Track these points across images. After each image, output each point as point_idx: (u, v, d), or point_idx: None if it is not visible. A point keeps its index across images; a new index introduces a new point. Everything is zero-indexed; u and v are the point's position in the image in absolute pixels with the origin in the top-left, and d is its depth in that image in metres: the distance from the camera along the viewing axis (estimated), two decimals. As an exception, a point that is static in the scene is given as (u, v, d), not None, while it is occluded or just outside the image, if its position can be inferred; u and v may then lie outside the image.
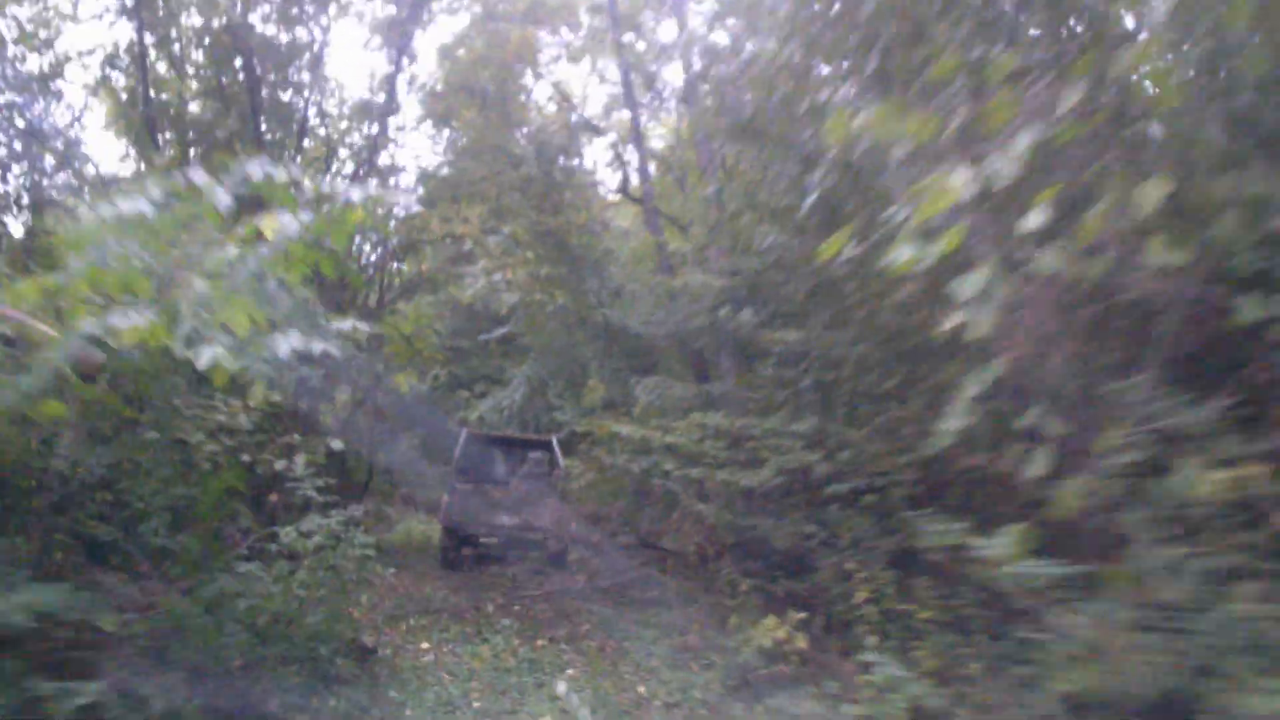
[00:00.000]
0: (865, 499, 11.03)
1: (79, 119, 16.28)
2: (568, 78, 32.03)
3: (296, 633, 9.31)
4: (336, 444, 12.90)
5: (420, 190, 24.91)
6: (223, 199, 6.59)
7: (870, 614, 10.16)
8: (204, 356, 6.25)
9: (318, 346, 6.85)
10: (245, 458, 11.73)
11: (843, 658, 10.14)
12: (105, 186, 15.65)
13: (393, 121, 24.10)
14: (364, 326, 7.47)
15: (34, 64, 18.65)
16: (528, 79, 31.54)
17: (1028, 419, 6.34)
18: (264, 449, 12.29)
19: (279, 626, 9.19)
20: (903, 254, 5.98)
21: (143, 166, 19.66)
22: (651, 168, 30.66)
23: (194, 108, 22.57)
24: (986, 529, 6.34)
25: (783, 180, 10.25)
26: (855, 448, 10.96)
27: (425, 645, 12.14)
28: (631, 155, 31.80)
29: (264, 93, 22.15)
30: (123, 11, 19.84)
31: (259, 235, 6.94)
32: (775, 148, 11.30)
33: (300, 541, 10.12)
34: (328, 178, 20.96)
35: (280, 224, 6.77)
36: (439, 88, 28.12)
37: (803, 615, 10.99)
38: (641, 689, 10.99)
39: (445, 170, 26.87)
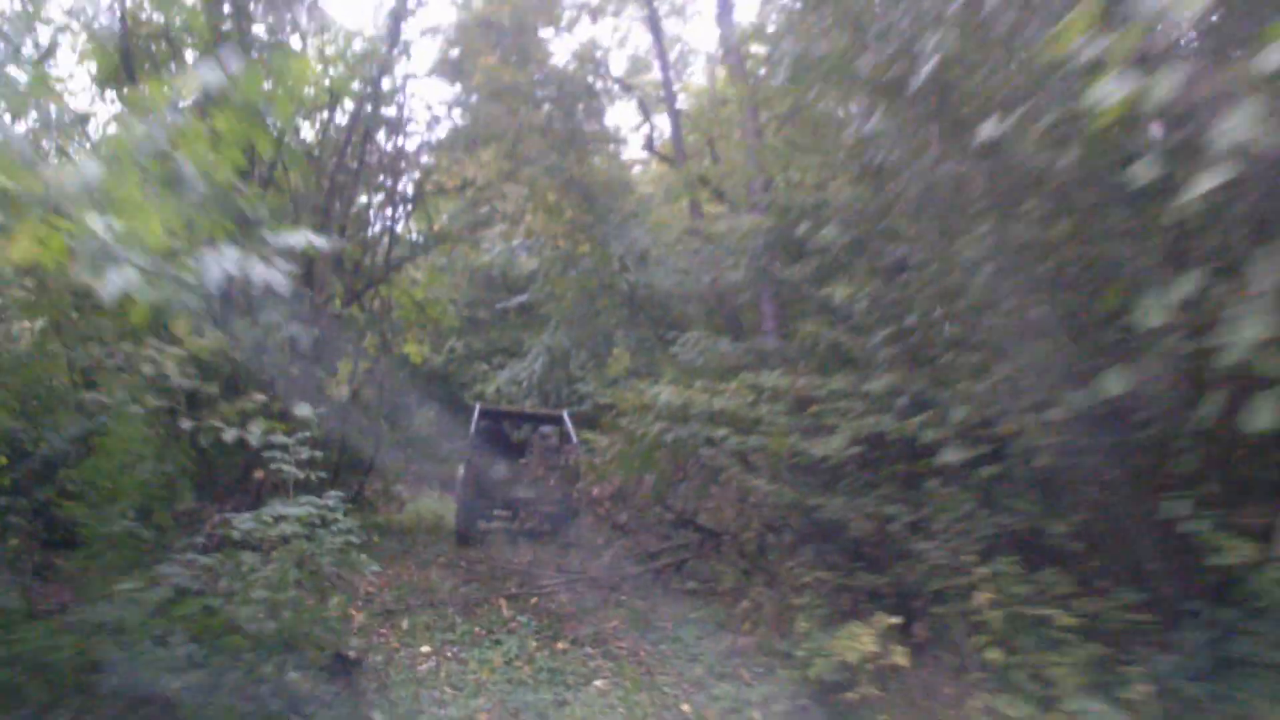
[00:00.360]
0: (983, 471, 8.67)
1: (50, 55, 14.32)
2: (590, 37, 29.54)
3: (257, 644, 7.31)
4: (304, 410, 10.99)
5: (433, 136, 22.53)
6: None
7: (994, 620, 7.85)
8: (110, 283, 4.35)
9: (259, 270, 4.76)
10: (185, 424, 9.75)
11: (955, 678, 7.91)
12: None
13: (400, 70, 21.89)
14: (320, 241, 5.37)
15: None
16: (548, 33, 29.40)
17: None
18: (213, 412, 10.15)
19: (232, 638, 7.20)
20: (1112, 91, 3.98)
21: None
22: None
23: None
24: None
25: (891, 44, 7.84)
26: (966, 403, 8.59)
27: (426, 649, 10.04)
28: (659, 119, 29.54)
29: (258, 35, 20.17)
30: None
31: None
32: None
33: (264, 529, 8.04)
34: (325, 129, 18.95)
35: (198, 79, 4.81)
36: (452, 31, 25.94)
37: (896, 620, 8.63)
38: (686, 707, 8.88)
39: (459, 115, 24.62)
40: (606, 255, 27.90)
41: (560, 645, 10.47)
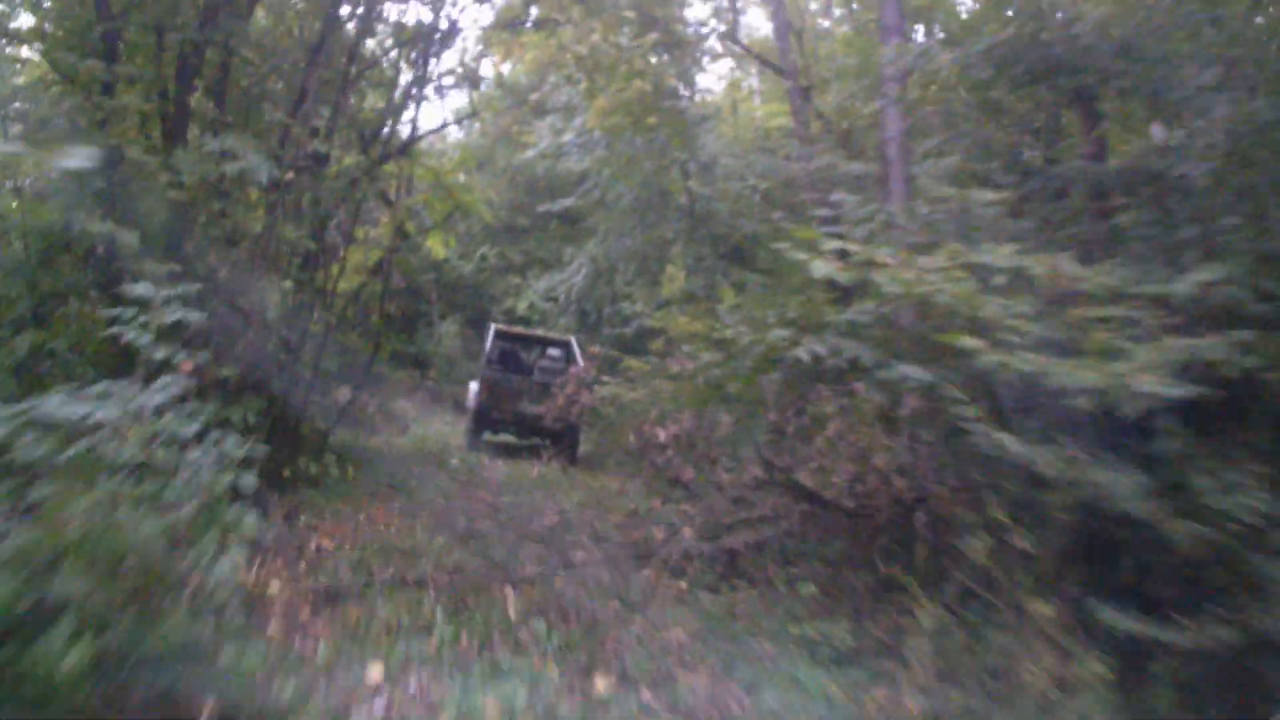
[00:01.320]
0: None
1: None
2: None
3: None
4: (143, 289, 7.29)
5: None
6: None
7: None
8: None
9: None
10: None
11: None
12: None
13: None
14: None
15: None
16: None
17: None
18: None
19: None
20: None
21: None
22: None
23: None
24: None
25: None
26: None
27: (375, 674, 6.13)
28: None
29: None
30: None
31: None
32: None
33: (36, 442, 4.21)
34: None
35: None
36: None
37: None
38: None
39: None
40: (668, 161, 24.14)
41: (599, 685, 6.09)
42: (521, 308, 29.08)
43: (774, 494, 9.65)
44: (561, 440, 18.55)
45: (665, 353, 20.12)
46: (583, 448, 19.48)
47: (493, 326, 22.45)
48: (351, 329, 16.76)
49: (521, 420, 19.16)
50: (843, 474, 9.20)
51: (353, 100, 14.85)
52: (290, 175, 10.12)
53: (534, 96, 27.91)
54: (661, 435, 10.54)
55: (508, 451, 19.26)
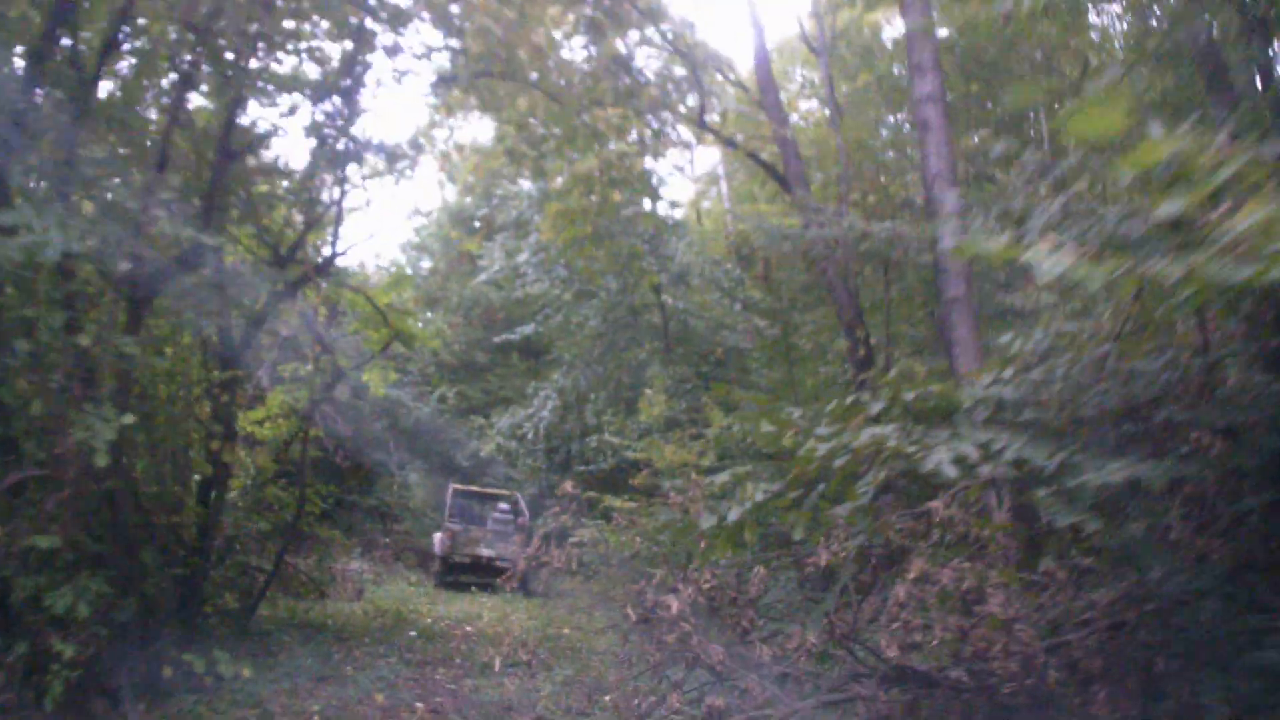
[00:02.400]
0: None
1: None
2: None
3: None
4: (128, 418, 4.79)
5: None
6: None
7: None
8: None
9: None
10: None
11: None
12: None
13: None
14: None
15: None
16: None
17: None
18: None
19: None
20: None
21: None
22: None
23: None
24: None
25: None
26: None
27: None
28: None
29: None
30: None
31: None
32: None
33: None
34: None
35: None
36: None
37: None
38: None
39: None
40: (635, 268, 21.86)
41: None
42: (487, 450, 26.41)
43: (841, 671, 6.92)
44: (523, 584, 18.59)
45: (651, 488, 17.62)
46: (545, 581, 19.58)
47: (450, 485, 24.25)
48: (279, 483, 14.13)
49: (479, 563, 21.60)
50: (943, 632, 6.50)
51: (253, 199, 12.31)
52: (126, 266, 7.43)
53: (482, 213, 25.91)
54: (674, 605, 7.72)
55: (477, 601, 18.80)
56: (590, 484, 20.27)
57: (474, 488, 25.63)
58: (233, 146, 10.49)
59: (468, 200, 32.24)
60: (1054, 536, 6.21)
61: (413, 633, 13.78)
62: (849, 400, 5.63)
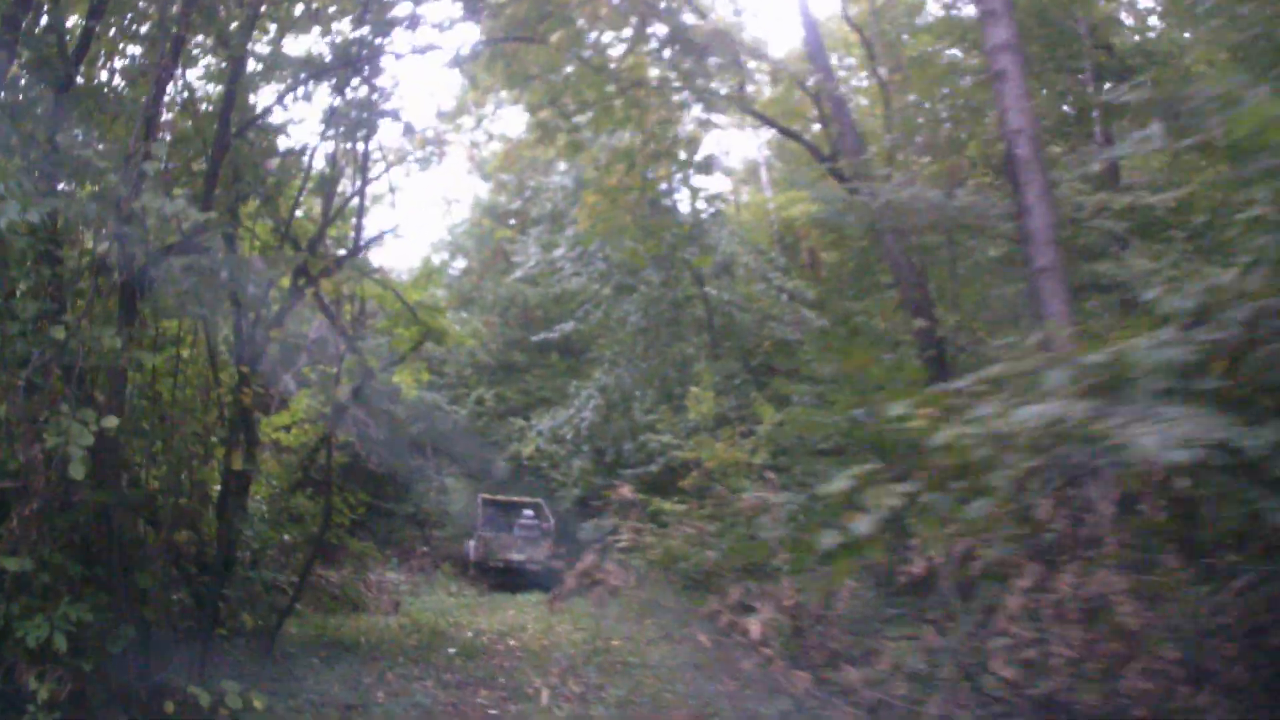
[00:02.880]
0: None
1: None
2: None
3: None
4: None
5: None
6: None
7: None
8: None
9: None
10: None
11: None
12: None
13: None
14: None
15: None
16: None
17: None
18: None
19: None
20: None
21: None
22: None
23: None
24: None
25: None
26: None
27: None
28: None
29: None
30: None
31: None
32: None
33: None
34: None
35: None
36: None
37: None
38: None
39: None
40: (675, 260, 20.83)
41: None
42: (527, 453, 25.37)
43: (945, 698, 5.82)
44: (544, 579, 20.31)
45: (701, 489, 16.60)
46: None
47: (480, 496, 25.80)
48: (307, 492, 13.20)
49: (510, 567, 23.07)
50: (1063, 648, 5.41)
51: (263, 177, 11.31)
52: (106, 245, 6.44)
53: (515, 206, 24.90)
54: (754, 628, 6.58)
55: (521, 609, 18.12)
56: (639, 486, 19.26)
57: (500, 496, 26.87)
58: (235, 122, 9.52)
59: (500, 199, 31.25)
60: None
61: (451, 650, 12.75)
62: (999, 369, 4.51)
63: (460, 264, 33.24)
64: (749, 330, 21.89)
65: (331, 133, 11.33)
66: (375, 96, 11.01)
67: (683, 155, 18.53)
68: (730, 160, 29.34)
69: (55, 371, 6.48)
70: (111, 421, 6.17)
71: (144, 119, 7.65)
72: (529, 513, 24.96)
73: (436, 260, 32.58)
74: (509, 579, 22.56)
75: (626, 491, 15.49)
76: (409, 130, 11.09)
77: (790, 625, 6.51)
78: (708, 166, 21.68)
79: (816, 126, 20.77)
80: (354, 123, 11.27)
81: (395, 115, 10.85)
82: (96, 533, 7.22)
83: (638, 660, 12.87)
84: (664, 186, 21.42)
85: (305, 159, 11.74)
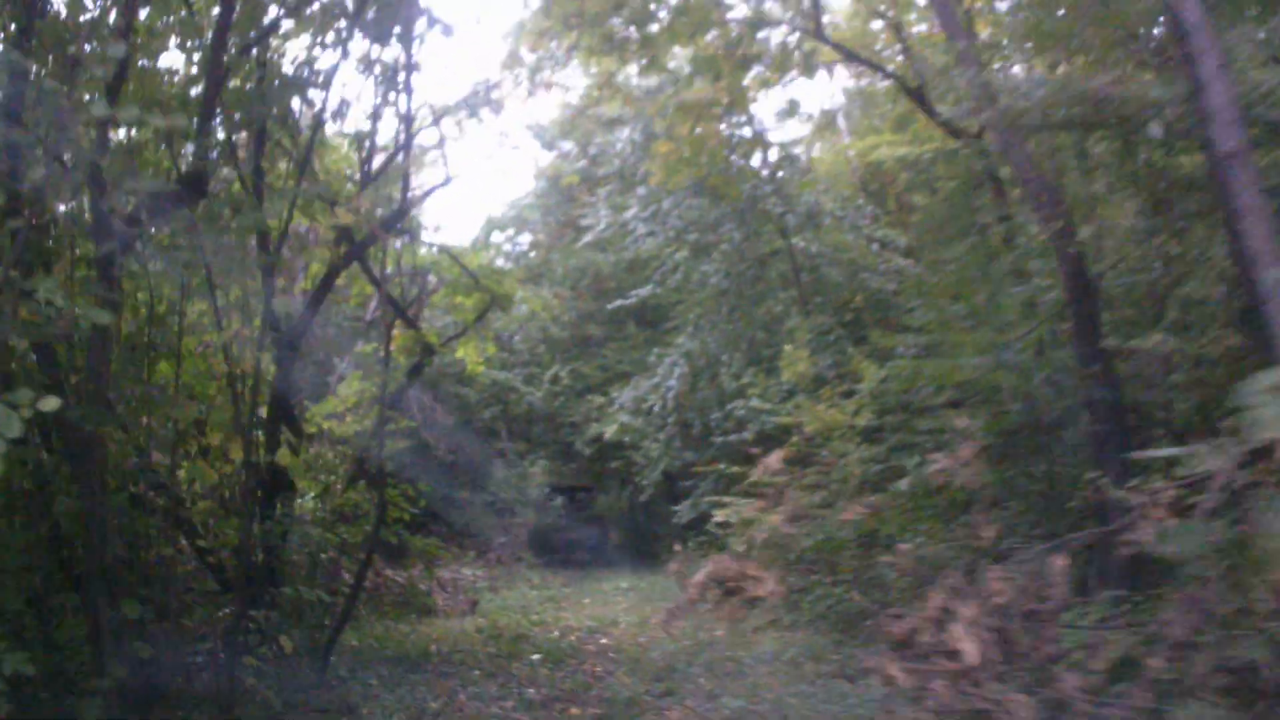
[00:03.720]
0: None
1: None
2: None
3: None
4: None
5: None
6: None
7: None
8: None
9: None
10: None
11: None
12: None
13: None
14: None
15: None
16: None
17: None
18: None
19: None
20: None
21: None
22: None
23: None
24: None
25: None
26: None
27: None
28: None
29: None
30: None
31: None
32: None
33: None
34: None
35: None
36: None
37: None
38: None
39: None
40: (760, 213, 19.10)
41: None
42: (610, 432, 23.64)
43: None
44: (598, 553, 24.42)
45: (802, 457, 14.89)
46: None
47: (549, 486, 27.01)
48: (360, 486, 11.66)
49: (571, 544, 24.42)
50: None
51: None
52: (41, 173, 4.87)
53: (582, 164, 23.15)
54: (967, 648, 4.73)
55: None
56: (732, 457, 17.54)
57: (564, 483, 28.54)
58: (235, 44, 7.87)
59: (564, 164, 29.54)
60: None
61: (535, 656, 11.15)
62: None
63: (525, 239, 31.66)
64: (840, 283, 20.05)
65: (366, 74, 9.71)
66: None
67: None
68: (804, 111, 27.60)
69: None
70: (51, 404, 4.58)
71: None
72: (583, 495, 27.38)
73: (501, 238, 31.08)
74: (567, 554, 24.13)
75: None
76: (447, 30, 9.27)
77: (999, 628, 4.77)
78: (794, 109, 19.94)
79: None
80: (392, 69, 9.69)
81: (431, 16, 9.12)
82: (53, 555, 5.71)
83: (746, 655, 11.34)
84: (744, 128, 19.80)
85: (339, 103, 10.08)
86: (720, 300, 20.21)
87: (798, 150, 23.28)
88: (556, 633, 13.10)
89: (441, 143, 12.85)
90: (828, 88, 26.20)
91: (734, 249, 20.00)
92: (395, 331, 13.21)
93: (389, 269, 12.66)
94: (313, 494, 11.92)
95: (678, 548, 20.29)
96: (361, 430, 12.92)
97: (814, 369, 17.41)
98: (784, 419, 16.41)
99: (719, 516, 15.93)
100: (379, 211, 11.96)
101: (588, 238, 23.31)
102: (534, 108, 20.79)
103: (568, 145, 29.99)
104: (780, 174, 20.73)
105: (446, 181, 12.41)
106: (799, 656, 10.95)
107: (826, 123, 26.63)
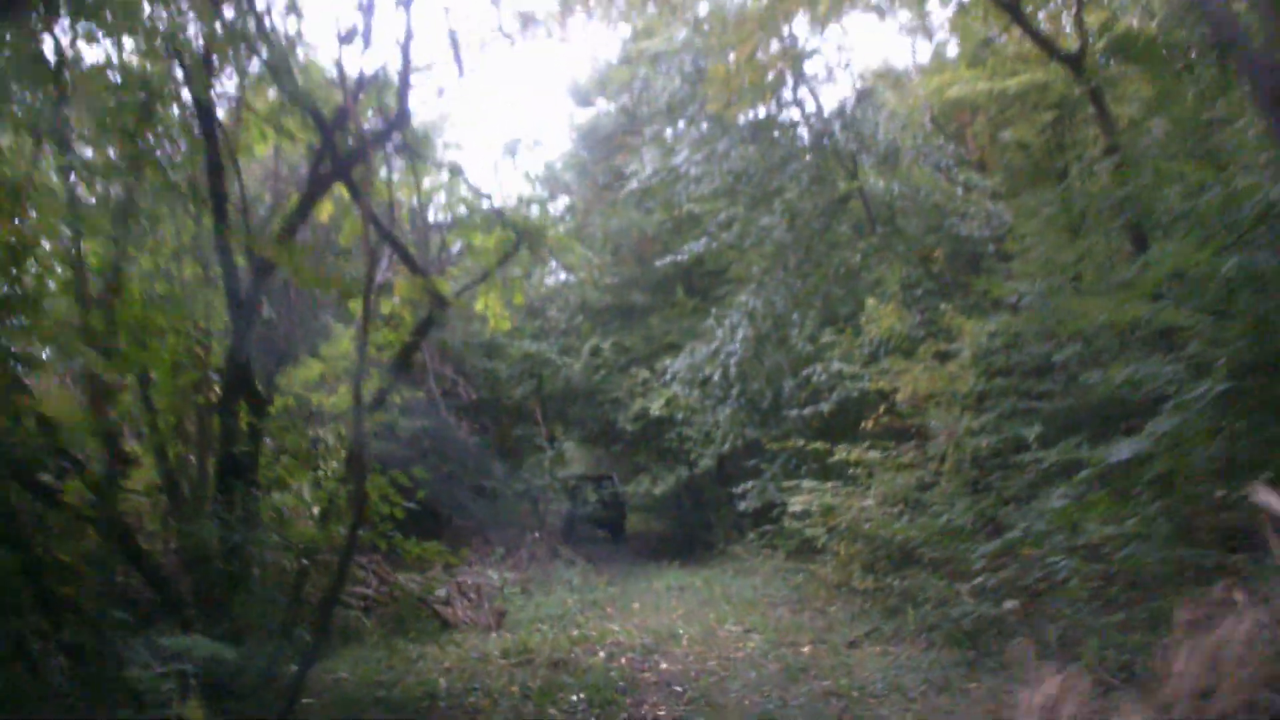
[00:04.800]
0: None
1: None
2: None
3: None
4: None
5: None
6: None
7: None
8: None
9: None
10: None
11: None
12: None
13: None
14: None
15: None
16: None
17: None
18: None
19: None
20: None
21: None
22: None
23: None
24: None
25: None
26: None
27: None
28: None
29: None
30: None
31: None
32: None
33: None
34: None
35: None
36: None
37: None
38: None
39: None
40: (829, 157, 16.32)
41: None
42: (656, 408, 20.86)
43: None
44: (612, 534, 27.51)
45: (898, 430, 12.21)
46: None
47: (569, 477, 28.75)
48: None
49: (585, 528, 25.74)
50: None
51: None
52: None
53: (624, 99, 20.30)
54: None
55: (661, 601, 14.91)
56: (808, 432, 14.79)
57: (582, 473, 30.55)
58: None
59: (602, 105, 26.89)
60: None
61: (578, 696, 8.38)
62: None
63: (562, 202, 28.88)
64: (917, 235, 17.14)
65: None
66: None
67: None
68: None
69: None
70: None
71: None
72: (601, 485, 28.45)
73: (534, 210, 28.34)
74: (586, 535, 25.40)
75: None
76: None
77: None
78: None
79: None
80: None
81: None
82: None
83: (845, 675, 8.96)
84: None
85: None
86: (785, 252, 17.28)
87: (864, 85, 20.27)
88: (603, 654, 10.38)
89: (455, 43, 10.08)
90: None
91: (803, 191, 17.09)
92: (397, 280, 10.55)
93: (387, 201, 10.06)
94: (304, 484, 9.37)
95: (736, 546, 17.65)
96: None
97: (904, 327, 14.55)
98: (879, 383, 13.64)
99: (796, 505, 13.14)
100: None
101: (632, 185, 20.29)
102: (569, 62, 17.92)
103: (604, 103, 27.47)
104: (851, 108, 17.76)
105: (459, 72, 9.68)
106: (924, 687, 8.23)
107: (883, 73, 23.64)
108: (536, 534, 18.97)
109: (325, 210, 10.67)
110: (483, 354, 21.06)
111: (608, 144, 25.45)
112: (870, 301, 14.82)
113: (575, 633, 11.53)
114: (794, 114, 18.04)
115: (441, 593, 12.83)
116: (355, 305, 9.50)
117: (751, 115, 17.56)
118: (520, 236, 10.53)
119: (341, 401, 10.29)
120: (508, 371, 22.21)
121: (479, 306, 11.16)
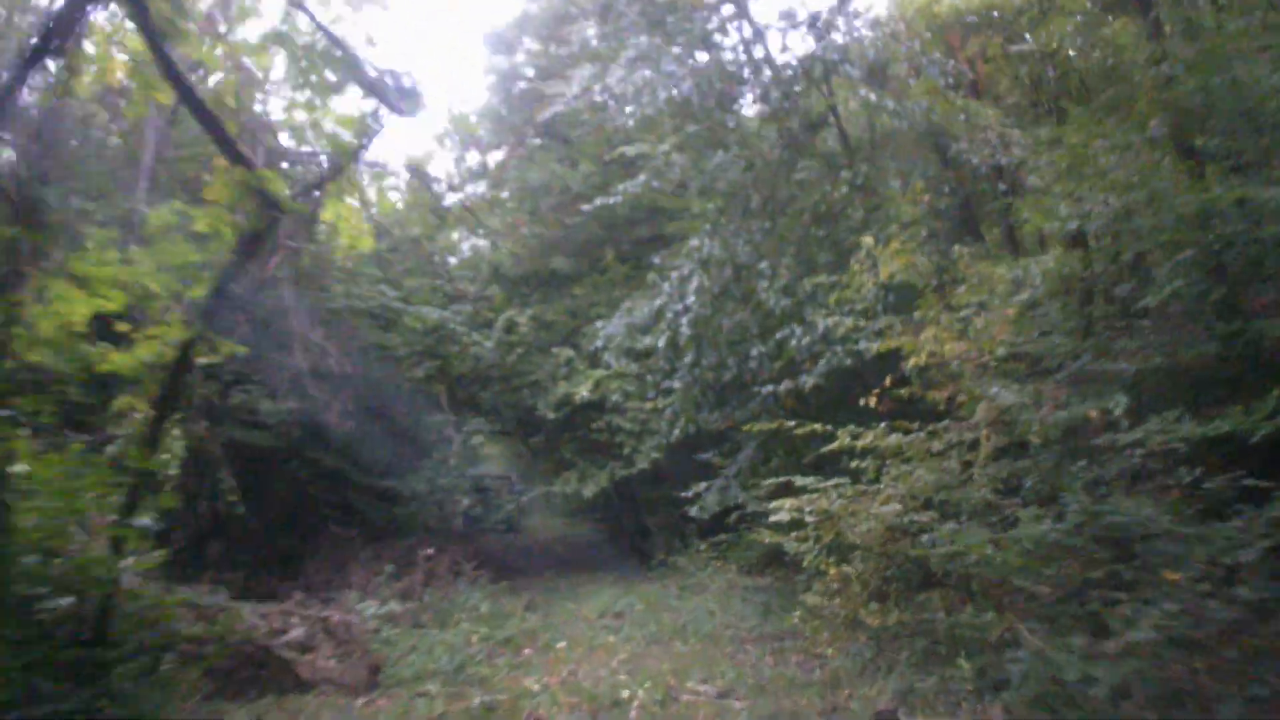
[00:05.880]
0: None
1: None
2: None
3: None
4: None
5: None
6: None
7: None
8: None
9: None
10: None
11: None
12: None
13: None
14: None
15: None
16: None
17: None
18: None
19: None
20: None
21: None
22: None
23: None
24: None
25: None
26: None
27: None
28: None
29: None
30: None
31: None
32: None
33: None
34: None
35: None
36: None
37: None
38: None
39: None
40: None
41: None
42: (583, 393, 17.25)
43: None
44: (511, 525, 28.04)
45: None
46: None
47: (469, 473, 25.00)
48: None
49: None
50: None
51: None
52: None
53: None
54: None
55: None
56: (789, 410, 11.28)
57: (483, 472, 29.24)
58: None
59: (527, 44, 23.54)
60: None
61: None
62: None
63: (473, 157, 25.25)
64: (919, 158, 13.80)
65: None
66: None
67: None
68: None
69: None
70: None
71: None
72: (498, 480, 28.86)
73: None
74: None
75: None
76: None
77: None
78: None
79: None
80: None
81: None
82: None
83: None
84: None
85: None
86: (743, 193, 13.69)
87: None
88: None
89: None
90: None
91: (768, 115, 13.56)
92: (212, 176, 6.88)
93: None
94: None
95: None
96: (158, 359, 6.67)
97: (908, 278, 10.98)
98: (887, 343, 10.16)
99: (783, 513, 9.45)
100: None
101: (556, 107, 16.48)
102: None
103: (528, 43, 24.53)
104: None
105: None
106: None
107: None
108: (431, 551, 14.95)
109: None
110: (374, 324, 17.39)
111: (528, 97, 21.94)
112: (866, 240, 11.20)
113: (477, 700, 7.90)
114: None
115: (298, 633, 9.24)
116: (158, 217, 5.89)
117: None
118: (386, 104, 6.89)
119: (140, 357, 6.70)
120: (406, 349, 18.40)
121: (327, 215, 7.51)
